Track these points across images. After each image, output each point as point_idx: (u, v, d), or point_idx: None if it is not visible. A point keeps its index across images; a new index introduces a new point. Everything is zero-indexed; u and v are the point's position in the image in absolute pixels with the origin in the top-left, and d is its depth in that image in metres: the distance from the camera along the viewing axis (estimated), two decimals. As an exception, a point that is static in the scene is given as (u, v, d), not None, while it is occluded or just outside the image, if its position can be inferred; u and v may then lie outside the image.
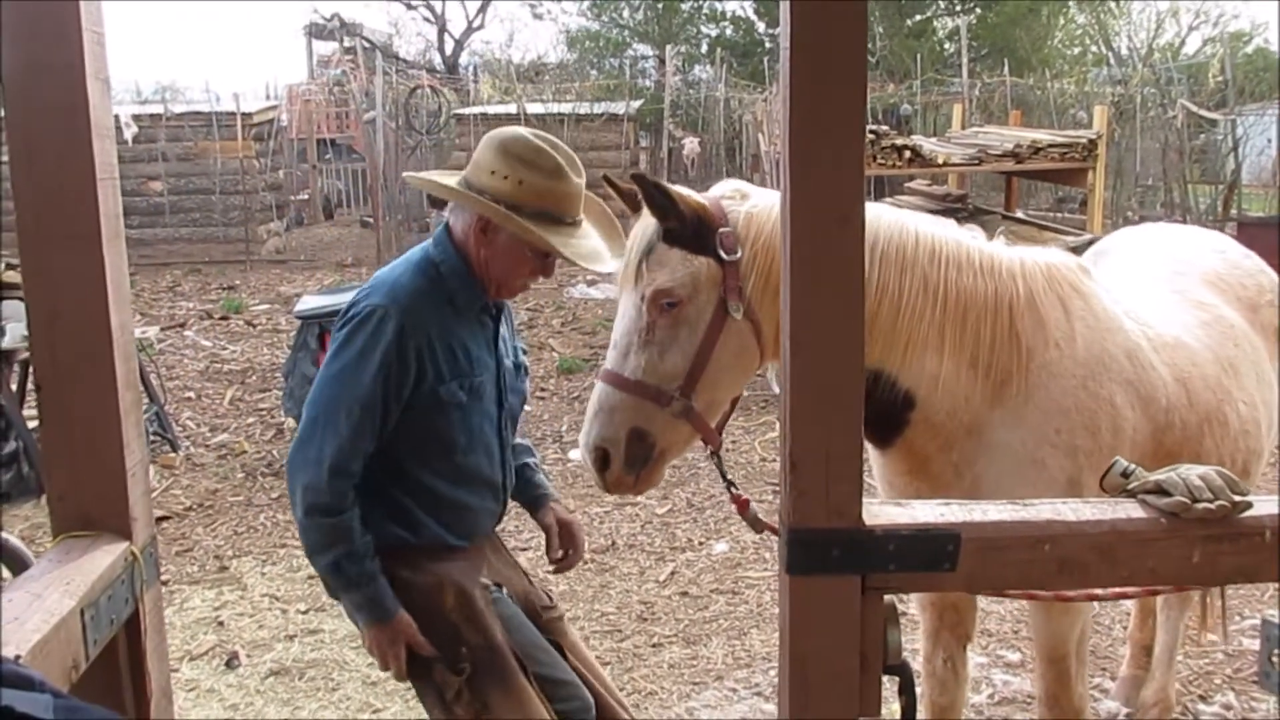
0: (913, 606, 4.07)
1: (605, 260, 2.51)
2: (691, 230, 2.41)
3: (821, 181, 1.51)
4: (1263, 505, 1.71)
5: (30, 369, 6.60)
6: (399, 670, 2.49)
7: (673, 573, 5.27)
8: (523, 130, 2.50)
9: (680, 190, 2.46)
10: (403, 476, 2.49)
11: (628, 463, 2.48)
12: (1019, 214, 10.46)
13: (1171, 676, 3.77)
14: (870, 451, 2.90)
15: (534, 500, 2.82)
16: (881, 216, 2.54)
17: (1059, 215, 13.72)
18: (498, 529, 2.77)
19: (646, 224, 2.49)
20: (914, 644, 4.34)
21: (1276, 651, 1.76)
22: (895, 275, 2.46)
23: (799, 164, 1.50)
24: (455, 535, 2.54)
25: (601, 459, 2.48)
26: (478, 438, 2.54)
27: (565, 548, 2.81)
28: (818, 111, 1.49)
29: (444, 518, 2.53)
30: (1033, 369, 2.55)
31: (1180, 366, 2.78)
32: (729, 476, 2.58)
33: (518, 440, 2.80)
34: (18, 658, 1.25)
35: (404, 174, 2.76)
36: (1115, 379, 2.62)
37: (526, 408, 2.96)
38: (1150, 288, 3.07)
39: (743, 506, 2.58)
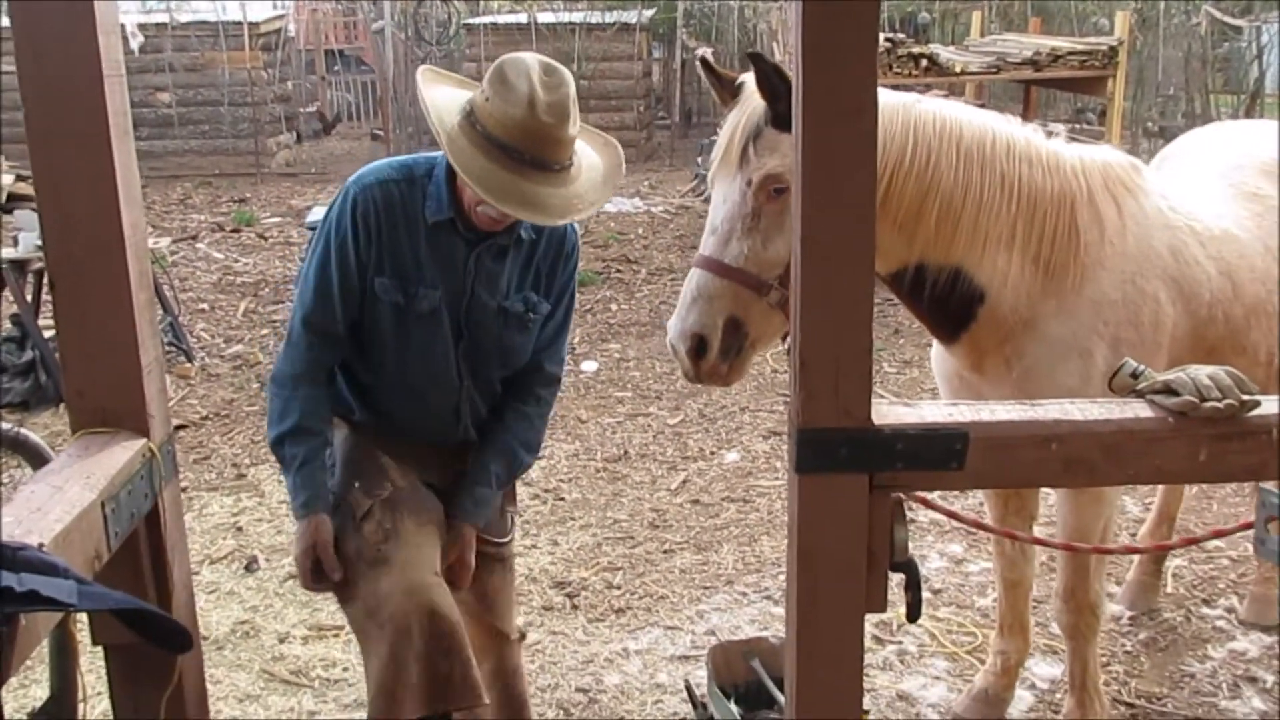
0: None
1: (537, 210, 2.31)
2: None
3: (834, 76, 1.49)
4: (1270, 404, 1.72)
5: (44, 279, 6.64)
6: (301, 573, 2.46)
7: (684, 481, 5.32)
8: (537, 58, 2.35)
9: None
10: (348, 367, 2.59)
11: (722, 352, 2.47)
12: (1037, 124, 10.32)
13: None
14: (934, 353, 3.03)
15: (450, 514, 2.59)
16: (964, 114, 2.60)
17: (1078, 126, 13.52)
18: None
19: (752, 108, 2.46)
20: (921, 550, 4.40)
21: (1274, 519, 1.77)
22: (977, 173, 2.52)
23: (811, 58, 1.49)
24: (386, 430, 2.60)
25: (697, 346, 2.46)
26: (415, 350, 2.51)
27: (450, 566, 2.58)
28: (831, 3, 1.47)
29: (378, 408, 2.60)
30: (1087, 263, 2.62)
31: (1227, 259, 2.81)
32: None
33: (505, 436, 2.62)
34: (41, 546, 1.28)
35: (423, 69, 2.58)
36: (1160, 275, 2.69)
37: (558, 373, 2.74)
38: (1206, 184, 3.08)
39: None
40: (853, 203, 1.55)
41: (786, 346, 2.47)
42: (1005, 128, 2.63)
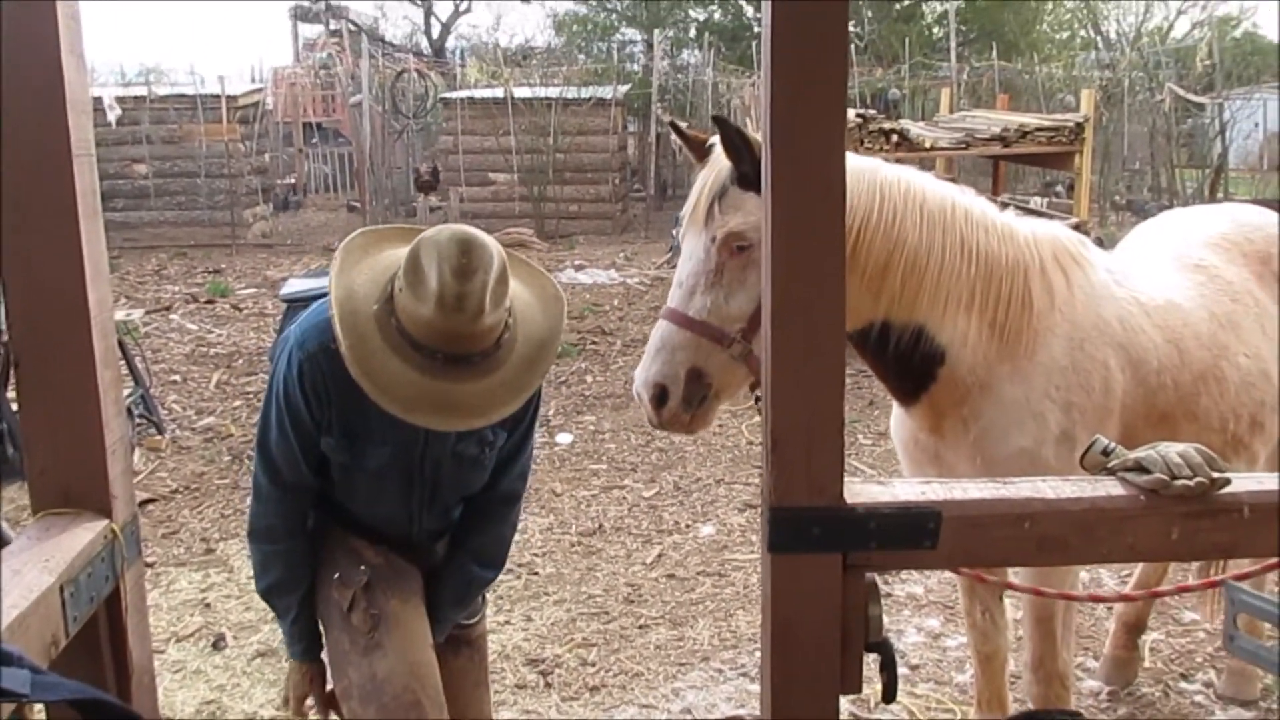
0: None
1: (451, 415, 2.16)
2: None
3: (803, 151, 1.50)
4: (1241, 482, 1.72)
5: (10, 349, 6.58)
6: (293, 707, 2.55)
7: (659, 555, 5.28)
8: (456, 236, 2.13)
9: (757, 136, 2.49)
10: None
11: (684, 401, 2.54)
12: (1005, 199, 10.47)
13: None
14: (893, 419, 3.07)
15: None
16: (925, 181, 2.70)
17: (1048, 200, 13.74)
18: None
19: (719, 167, 2.55)
20: (898, 624, 4.37)
21: (1240, 618, 1.77)
22: (940, 235, 2.61)
23: (780, 132, 1.50)
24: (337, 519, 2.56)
25: (659, 395, 2.53)
26: (362, 499, 2.48)
27: None
28: (800, 79, 1.48)
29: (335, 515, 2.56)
30: (1039, 330, 2.71)
31: (1171, 328, 2.89)
32: None
33: (461, 556, 2.58)
34: (-5, 633, 1.25)
35: (355, 236, 2.38)
36: (1109, 342, 2.77)
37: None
38: (1151, 260, 3.19)
39: None
40: (823, 279, 1.55)
41: (756, 397, 2.56)
42: (963, 197, 2.73)
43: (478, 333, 2.13)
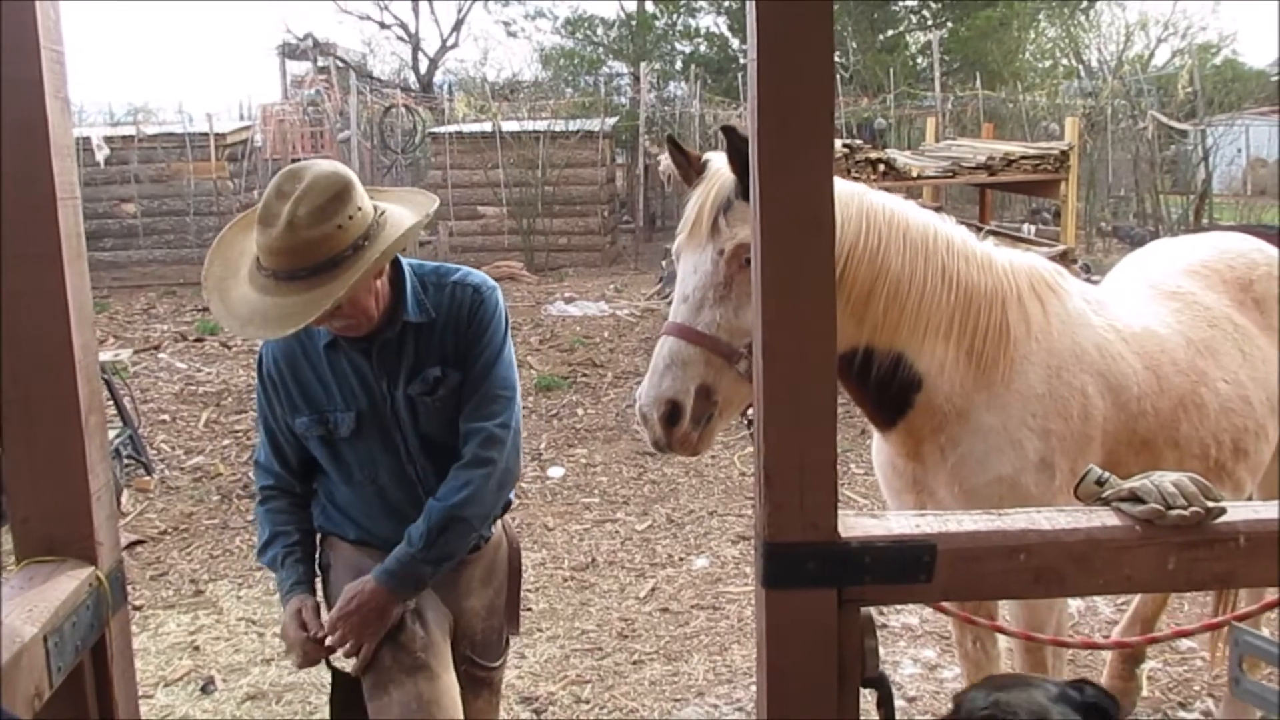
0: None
1: (270, 325, 2.21)
2: None
3: (792, 185, 1.50)
4: (1237, 511, 1.71)
5: None
6: (293, 649, 2.52)
7: (653, 589, 5.25)
8: (301, 165, 2.27)
9: None
10: (326, 488, 2.66)
11: (693, 419, 2.47)
12: (993, 226, 10.53)
13: None
14: (875, 445, 3.07)
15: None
16: (908, 209, 2.70)
17: (1035, 227, 13.82)
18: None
19: (721, 182, 2.53)
20: (894, 655, 4.34)
21: (1247, 659, 1.75)
22: (921, 263, 2.61)
23: (768, 166, 1.50)
24: (356, 540, 2.61)
25: (670, 413, 2.46)
26: (354, 475, 2.53)
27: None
28: (786, 110, 1.48)
29: (362, 527, 2.60)
30: (1015, 358, 2.71)
31: (1150, 354, 2.91)
32: None
33: (430, 500, 2.47)
34: (-24, 687, 1.23)
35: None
36: (1087, 369, 2.78)
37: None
38: (1129, 288, 3.21)
39: None
40: (814, 312, 1.55)
41: (751, 426, 2.54)
42: (944, 225, 2.74)
43: (294, 247, 2.17)
